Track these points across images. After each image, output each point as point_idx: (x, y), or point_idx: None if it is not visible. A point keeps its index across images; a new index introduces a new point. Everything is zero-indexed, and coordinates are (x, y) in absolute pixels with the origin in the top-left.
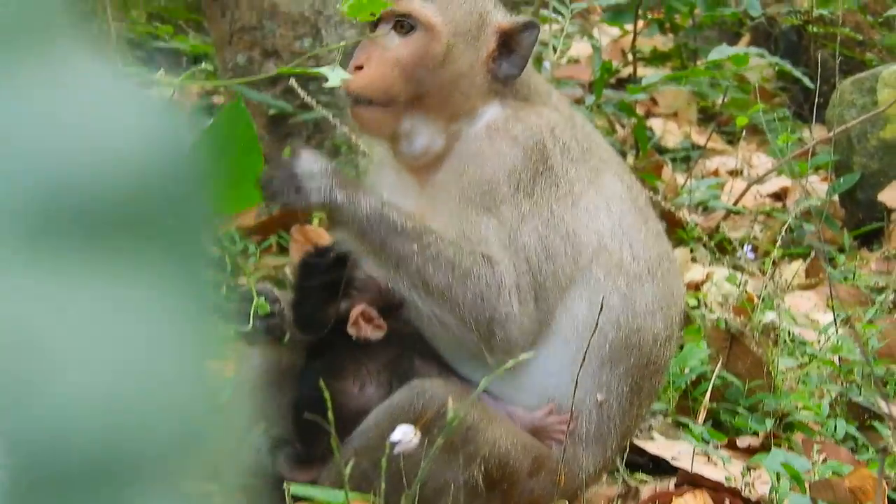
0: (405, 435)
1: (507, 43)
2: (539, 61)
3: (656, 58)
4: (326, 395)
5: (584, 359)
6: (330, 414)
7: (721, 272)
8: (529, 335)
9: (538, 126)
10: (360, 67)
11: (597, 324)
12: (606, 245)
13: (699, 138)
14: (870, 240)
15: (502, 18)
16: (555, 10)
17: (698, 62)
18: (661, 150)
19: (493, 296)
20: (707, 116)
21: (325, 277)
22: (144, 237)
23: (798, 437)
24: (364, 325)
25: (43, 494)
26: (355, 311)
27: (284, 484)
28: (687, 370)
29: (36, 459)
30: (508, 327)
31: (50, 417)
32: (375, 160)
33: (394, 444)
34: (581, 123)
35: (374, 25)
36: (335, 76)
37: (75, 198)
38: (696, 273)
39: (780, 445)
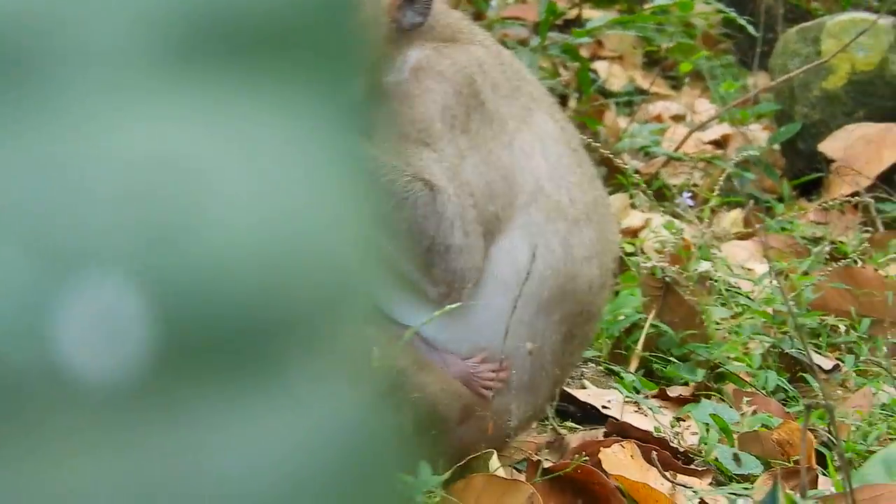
0: None
1: None
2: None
3: (603, 0)
4: None
5: (514, 305)
6: None
7: (659, 219)
8: (474, 271)
9: (465, 62)
10: None
11: (529, 270)
12: (544, 187)
13: (644, 83)
14: (809, 190)
15: None
16: None
17: (644, 6)
18: (606, 94)
19: (433, 225)
20: (652, 61)
21: None
22: (291, 58)
23: (729, 387)
24: None
25: (188, 349)
26: None
27: None
28: (620, 318)
29: (184, 309)
30: (450, 259)
31: (200, 260)
32: None
33: None
34: (509, 61)
35: None
36: None
37: (216, 15)
38: (634, 219)
39: (711, 396)
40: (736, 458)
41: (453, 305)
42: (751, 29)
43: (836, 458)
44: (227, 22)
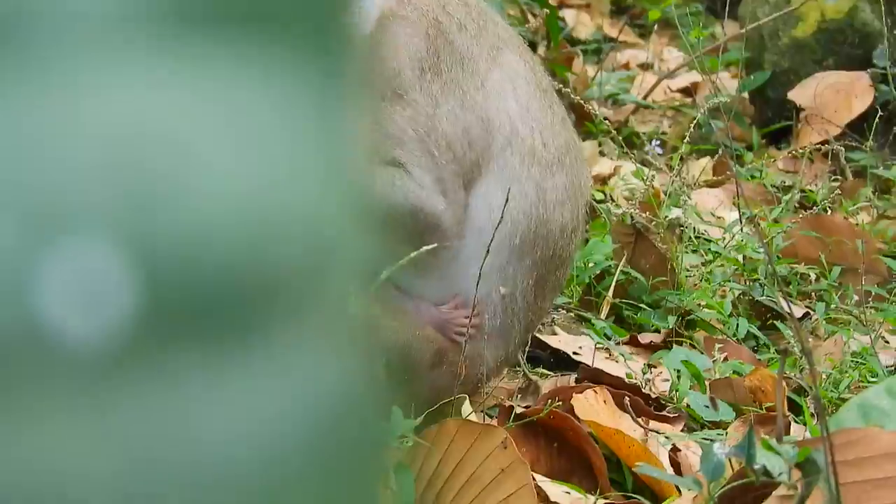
0: None
1: None
2: None
3: None
4: None
5: (487, 251)
6: None
7: (628, 166)
8: (460, 223)
9: (428, 4)
10: None
11: (502, 215)
12: (518, 129)
13: (611, 31)
14: (778, 138)
15: None
16: None
17: None
18: (573, 42)
19: (417, 201)
20: (620, 9)
21: None
22: (278, 21)
23: (700, 335)
24: None
25: (171, 314)
26: None
27: None
28: (591, 265)
29: (167, 274)
30: (441, 224)
31: (185, 223)
32: None
33: None
34: (473, 1)
35: None
36: None
37: None
38: (603, 167)
39: (681, 343)
40: (713, 403)
41: (423, 249)
42: None
43: (810, 403)
44: None
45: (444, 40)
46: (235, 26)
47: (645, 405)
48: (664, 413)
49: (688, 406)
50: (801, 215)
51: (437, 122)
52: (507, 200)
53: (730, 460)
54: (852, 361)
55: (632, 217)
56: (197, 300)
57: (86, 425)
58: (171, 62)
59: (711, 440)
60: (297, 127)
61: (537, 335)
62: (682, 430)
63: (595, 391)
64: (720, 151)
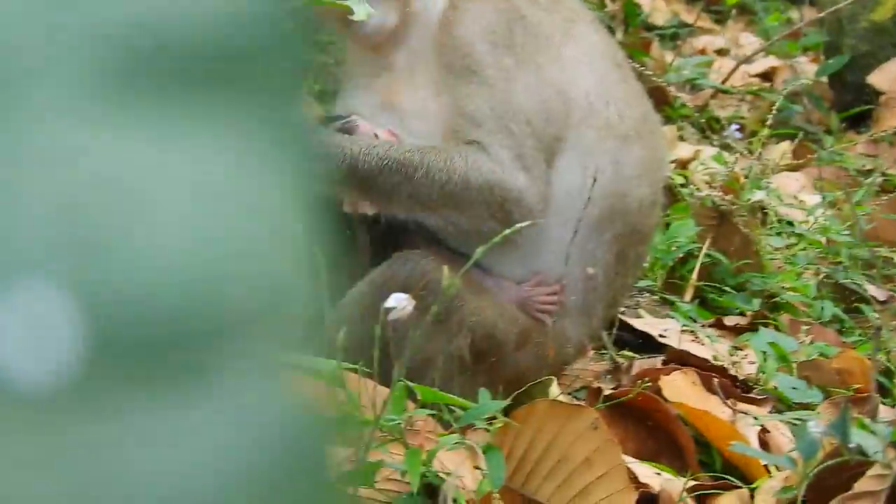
0: (399, 302)
1: None
2: None
3: None
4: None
5: (576, 230)
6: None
7: (708, 151)
8: (544, 198)
9: None
10: None
11: (589, 195)
12: (593, 102)
13: (687, 16)
14: (857, 122)
15: None
16: None
17: None
18: (649, 27)
19: (498, 180)
20: None
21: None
22: (235, 83)
23: (785, 317)
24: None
25: (120, 355)
26: None
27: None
28: (674, 248)
29: (116, 315)
30: (524, 200)
31: (133, 269)
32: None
33: (388, 311)
34: None
35: None
36: (360, 9)
37: (160, 40)
38: (683, 151)
39: (767, 326)
40: (806, 381)
41: (508, 231)
42: None
43: None
44: (171, 45)
45: (516, 14)
46: (194, 84)
47: (732, 387)
48: (751, 395)
49: (775, 388)
50: (883, 198)
51: (513, 97)
52: (594, 180)
53: (822, 441)
54: None
55: (713, 201)
56: (145, 342)
57: (32, 462)
58: (128, 116)
59: (802, 420)
60: (244, 178)
61: (622, 318)
62: (769, 412)
63: (683, 373)
64: (800, 135)
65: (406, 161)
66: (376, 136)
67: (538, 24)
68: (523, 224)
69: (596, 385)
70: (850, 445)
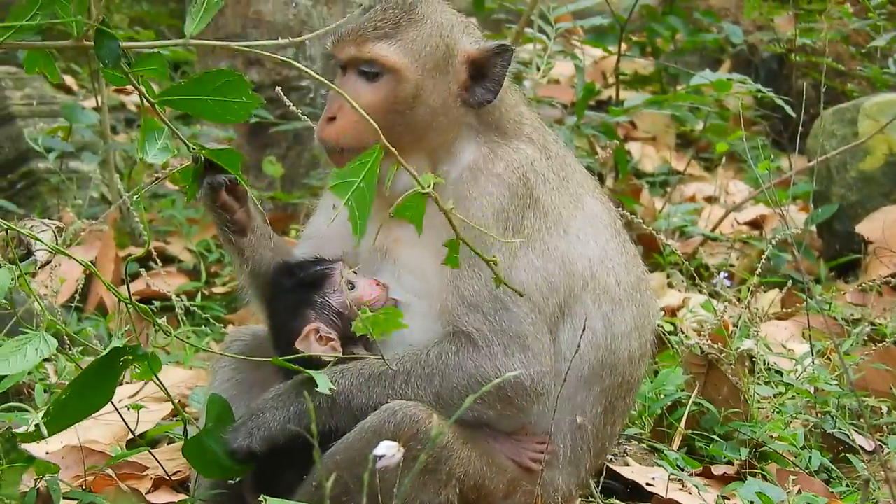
0: (388, 450)
1: (480, 69)
2: (520, 80)
3: (637, 81)
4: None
5: (563, 381)
6: (313, 426)
7: (697, 298)
8: (550, 370)
9: (518, 162)
10: (332, 118)
11: (578, 347)
12: (596, 272)
13: (677, 164)
14: (846, 271)
15: (471, 45)
16: (539, 30)
17: (678, 87)
18: (639, 174)
19: (484, 376)
20: (685, 142)
21: (289, 297)
22: None
23: (772, 467)
24: (314, 342)
25: None
26: (308, 328)
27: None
28: (662, 396)
29: None
30: (521, 384)
31: None
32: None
33: (376, 459)
34: (555, 151)
35: (343, 70)
36: (153, 155)
37: None
38: (672, 298)
39: (755, 475)
40: None
41: (499, 378)
42: (789, 109)
43: None
44: None
45: (530, 198)
46: None
47: None
48: None
49: None
50: (871, 348)
51: (514, 276)
52: (584, 329)
53: None
54: None
55: (701, 349)
56: None
57: None
58: None
59: None
60: None
61: (610, 466)
62: None
63: None
64: (789, 284)
65: (383, 374)
66: (351, 284)
67: (549, 204)
68: (509, 374)
69: None
70: None
